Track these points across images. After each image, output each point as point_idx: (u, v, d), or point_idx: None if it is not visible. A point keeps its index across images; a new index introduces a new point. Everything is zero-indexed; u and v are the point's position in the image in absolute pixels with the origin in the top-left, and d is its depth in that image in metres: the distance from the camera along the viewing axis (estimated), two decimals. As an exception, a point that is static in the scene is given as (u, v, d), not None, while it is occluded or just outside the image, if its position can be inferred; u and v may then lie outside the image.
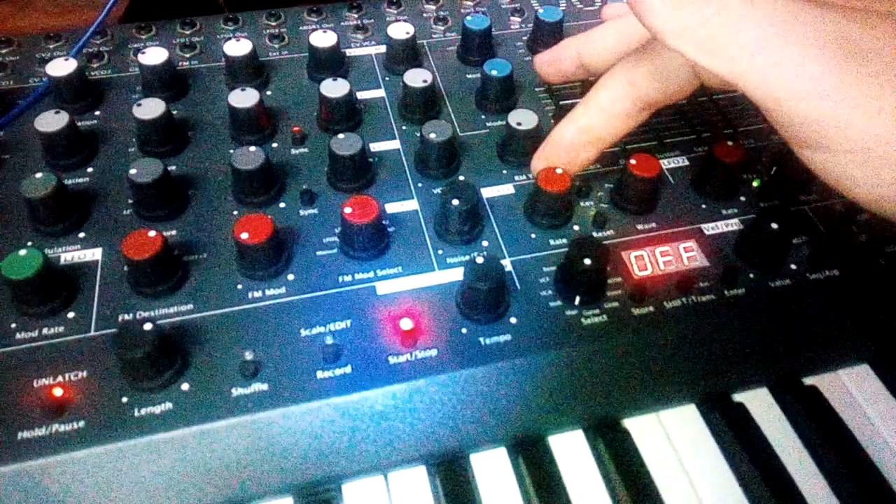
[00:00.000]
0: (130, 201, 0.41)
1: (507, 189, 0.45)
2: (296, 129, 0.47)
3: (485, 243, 0.41)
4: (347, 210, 0.38)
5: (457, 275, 0.39)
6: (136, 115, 0.43)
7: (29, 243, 0.39)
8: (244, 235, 0.36)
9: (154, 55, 0.47)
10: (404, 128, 0.48)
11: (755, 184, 0.46)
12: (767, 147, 0.48)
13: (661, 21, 0.30)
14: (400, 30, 0.51)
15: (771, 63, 0.28)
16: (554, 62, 0.48)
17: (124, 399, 0.33)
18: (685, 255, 0.41)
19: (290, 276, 0.39)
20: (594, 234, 0.42)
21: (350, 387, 0.35)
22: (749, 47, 0.29)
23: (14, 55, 0.52)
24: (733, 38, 0.29)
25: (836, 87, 0.27)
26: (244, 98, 0.45)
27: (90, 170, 0.44)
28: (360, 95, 0.50)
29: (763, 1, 0.29)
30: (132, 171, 0.39)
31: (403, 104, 0.49)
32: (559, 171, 0.41)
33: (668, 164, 0.47)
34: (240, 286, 0.38)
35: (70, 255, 0.39)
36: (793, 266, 0.41)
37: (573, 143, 0.41)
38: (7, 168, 0.44)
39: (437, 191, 0.44)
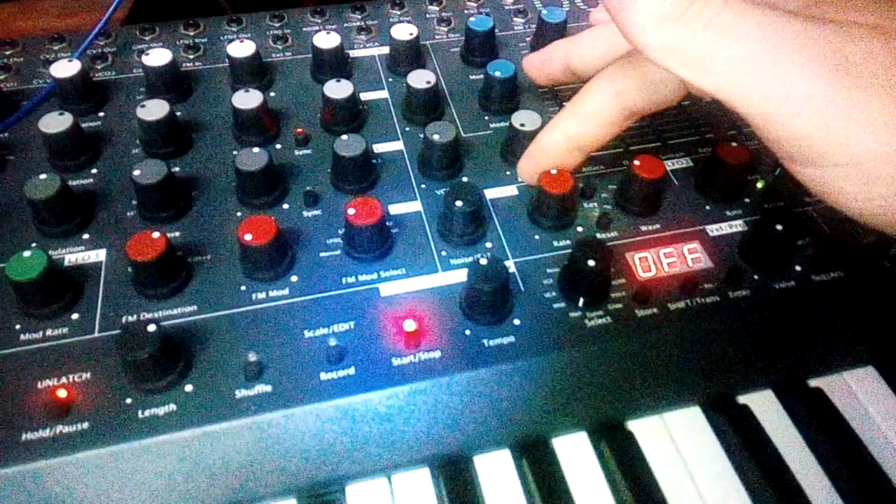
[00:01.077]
0: (134, 202, 0.41)
1: (511, 190, 0.44)
2: (299, 130, 0.47)
3: (488, 245, 0.41)
4: (351, 211, 0.38)
5: (460, 276, 0.39)
6: (140, 116, 0.43)
7: (33, 244, 0.39)
8: (248, 237, 0.36)
9: (158, 56, 0.47)
10: (407, 129, 0.48)
11: (759, 185, 0.45)
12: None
13: (647, 38, 0.30)
14: (403, 31, 0.51)
15: (759, 80, 0.28)
16: (542, 65, 0.48)
17: (128, 400, 0.33)
18: (689, 257, 0.41)
19: (294, 278, 0.39)
20: (598, 235, 0.42)
21: (353, 388, 0.35)
22: (737, 64, 0.28)
23: (18, 57, 0.52)
24: (721, 55, 0.29)
25: (825, 103, 0.27)
26: (247, 99, 0.45)
27: (94, 171, 0.44)
28: (364, 97, 0.50)
29: (750, 17, 0.28)
30: (136, 173, 0.39)
31: (407, 105, 0.49)
32: (553, 171, 0.41)
33: (672, 165, 0.47)
34: (243, 287, 0.38)
35: (74, 256, 0.39)
36: (797, 268, 0.41)
37: (560, 150, 0.41)
38: (11, 169, 0.44)
39: (441, 192, 0.44)
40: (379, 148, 0.47)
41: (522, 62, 0.50)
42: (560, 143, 0.41)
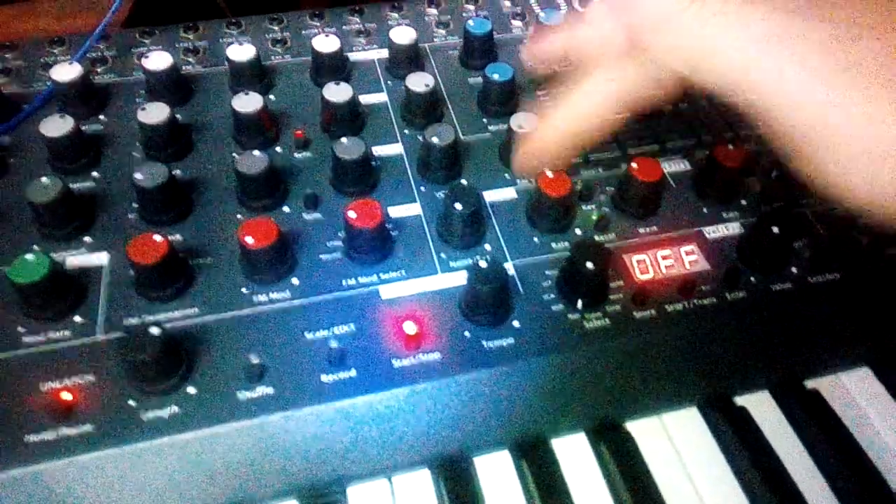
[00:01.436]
0: (136, 205, 0.42)
1: (510, 193, 0.45)
2: (299, 133, 0.47)
3: (487, 247, 0.42)
4: (351, 214, 0.38)
5: (460, 278, 0.40)
6: (141, 119, 0.43)
7: (35, 248, 0.39)
8: (249, 240, 0.37)
9: (158, 60, 0.47)
10: (407, 132, 0.48)
11: (756, 187, 0.46)
12: (769, 150, 0.48)
13: (651, 37, 0.30)
14: (402, 34, 0.51)
15: (765, 71, 0.28)
16: (541, 54, 0.48)
17: (131, 403, 0.34)
18: (687, 259, 0.41)
19: (295, 280, 0.39)
20: (596, 237, 0.42)
21: (354, 390, 0.35)
22: (744, 61, 0.29)
23: (18, 60, 0.52)
24: (729, 45, 0.29)
25: (830, 96, 0.27)
26: (248, 102, 0.45)
27: (95, 174, 0.44)
28: (363, 99, 0.50)
29: (753, 10, 0.29)
30: (137, 176, 0.39)
31: (406, 108, 0.49)
32: (550, 174, 0.41)
33: (669, 167, 0.47)
34: (244, 290, 0.38)
35: (76, 259, 0.39)
36: (794, 269, 0.41)
37: (557, 147, 0.41)
38: (13, 172, 0.44)
39: (440, 194, 0.44)
40: (378, 151, 0.47)
41: (522, 51, 0.50)
42: (558, 139, 0.41)
